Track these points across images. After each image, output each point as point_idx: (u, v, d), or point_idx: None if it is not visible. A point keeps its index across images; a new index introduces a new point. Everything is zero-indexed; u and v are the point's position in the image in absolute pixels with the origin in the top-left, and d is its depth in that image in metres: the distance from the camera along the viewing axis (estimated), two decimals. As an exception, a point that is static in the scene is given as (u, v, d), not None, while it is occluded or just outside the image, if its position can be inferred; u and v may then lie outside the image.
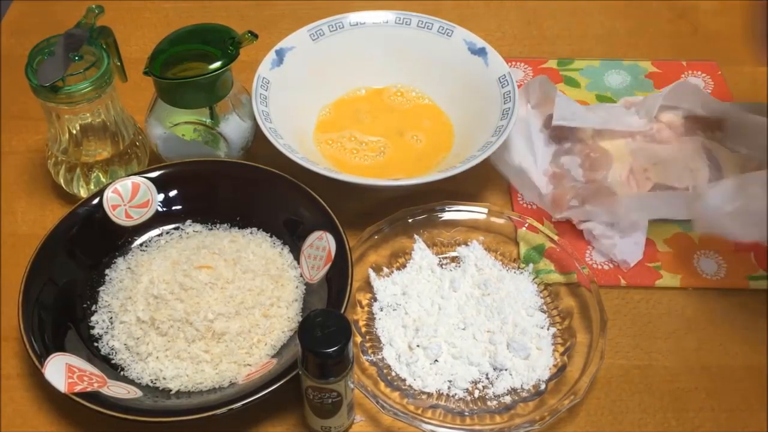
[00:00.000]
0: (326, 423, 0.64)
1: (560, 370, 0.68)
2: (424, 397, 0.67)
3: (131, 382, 0.66)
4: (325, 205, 0.74)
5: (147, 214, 0.77)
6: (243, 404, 0.61)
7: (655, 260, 0.77)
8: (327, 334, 0.58)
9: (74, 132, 0.77)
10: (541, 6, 1.04)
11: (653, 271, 0.76)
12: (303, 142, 0.83)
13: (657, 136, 0.83)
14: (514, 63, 0.95)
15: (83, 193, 0.79)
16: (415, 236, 0.76)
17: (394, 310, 0.72)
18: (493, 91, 0.83)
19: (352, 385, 0.62)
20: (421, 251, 0.76)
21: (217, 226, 0.77)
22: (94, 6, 0.77)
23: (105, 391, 0.63)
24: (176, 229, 0.77)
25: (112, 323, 0.70)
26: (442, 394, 0.67)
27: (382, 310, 0.72)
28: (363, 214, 0.78)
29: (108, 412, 0.61)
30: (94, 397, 0.62)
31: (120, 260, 0.74)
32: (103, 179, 0.79)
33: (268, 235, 0.76)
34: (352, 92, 0.90)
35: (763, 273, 0.76)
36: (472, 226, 0.78)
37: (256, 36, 0.76)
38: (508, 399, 0.67)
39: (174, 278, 0.68)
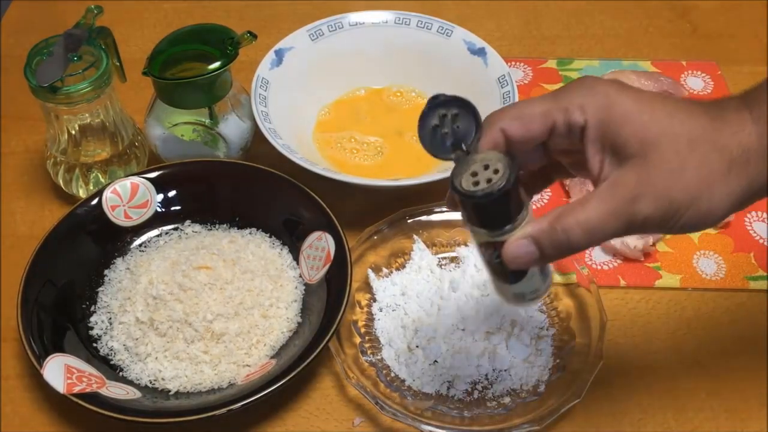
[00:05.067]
0: (518, 289, 0.52)
1: (560, 371, 0.68)
2: (423, 397, 0.67)
3: (130, 382, 0.66)
4: (324, 205, 0.73)
5: (146, 214, 0.77)
6: (242, 405, 0.61)
7: (655, 260, 0.77)
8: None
9: (73, 132, 0.77)
10: (541, 6, 1.04)
11: (653, 271, 0.76)
12: (302, 143, 0.83)
13: None
14: (513, 63, 0.95)
15: (82, 194, 0.79)
16: (415, 236, 0.76)
17: (393, 310, 0.72)
18: (492, 91, 0.83)
19: None
20: (420, 251, 0.75)
21: (216, 226, 0.77)
22: (93, 6, 0.77)
23: (104, 391, 0.63)
24: (175, 229, 0.77)
25: (111, 324, 0.70)
26: (442, 394, 0.67)
27: (381, 311, 0.72)
28: (362, 214, 0.78)
29: (107, 413, 0.61)
30: (93, 397, 0.62)
31: (119, 261, 0.74)
32: (102, 180, 0.79)
33: (268, 235, 0.76)
34: (351, 92, 0.90)
35: (763, 273, 0.76)
36: (472, 227, 0.77)
37: (255, 36, 0.76)
38: (507, 400, 0.66)
39: (173, 279, 0.68)
